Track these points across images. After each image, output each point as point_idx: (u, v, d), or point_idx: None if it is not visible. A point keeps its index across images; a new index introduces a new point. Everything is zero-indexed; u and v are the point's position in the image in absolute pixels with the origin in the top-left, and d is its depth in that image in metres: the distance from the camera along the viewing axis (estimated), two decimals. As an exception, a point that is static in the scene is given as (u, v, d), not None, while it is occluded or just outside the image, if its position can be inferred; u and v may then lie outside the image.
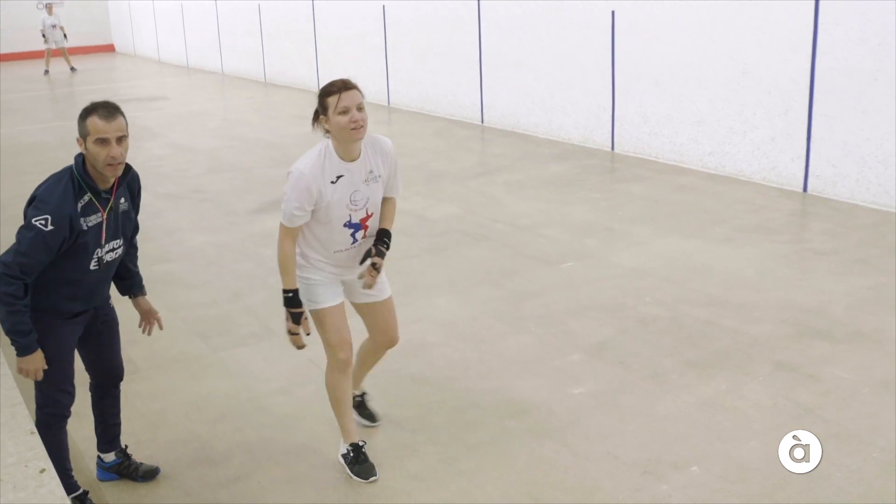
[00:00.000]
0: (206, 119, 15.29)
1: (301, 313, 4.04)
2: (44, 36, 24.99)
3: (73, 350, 3.96)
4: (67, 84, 22.62)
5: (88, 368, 4.20)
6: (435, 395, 5.01)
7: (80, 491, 4.09)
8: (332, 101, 3.87)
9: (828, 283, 6.44)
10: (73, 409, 4.01)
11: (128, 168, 3.83)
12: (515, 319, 6.02)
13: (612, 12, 10.84)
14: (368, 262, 4.13)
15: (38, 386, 3.89)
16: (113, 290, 4.17)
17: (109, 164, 3.63)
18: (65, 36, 25.04)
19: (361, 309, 4.39)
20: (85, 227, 3.66)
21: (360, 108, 3.87)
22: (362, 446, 4.29)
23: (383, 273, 4.24)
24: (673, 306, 6.11)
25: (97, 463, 4.36)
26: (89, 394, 4.28)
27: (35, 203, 3.64)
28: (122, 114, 3.71)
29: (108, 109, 3.65)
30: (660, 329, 5.76)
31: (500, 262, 7.18)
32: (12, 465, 3.94)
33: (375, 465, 4.27)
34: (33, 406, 4.30)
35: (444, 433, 4.64)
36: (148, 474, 4.33)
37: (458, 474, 4.27)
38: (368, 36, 15.96)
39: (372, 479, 4.21)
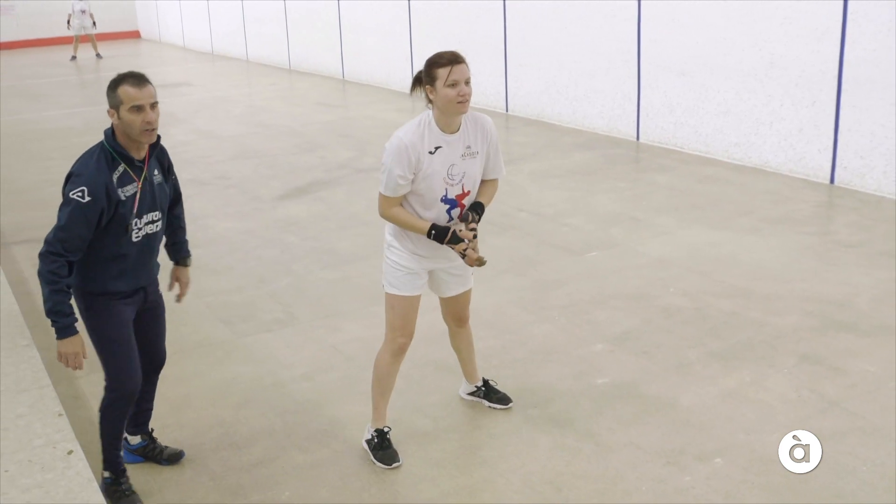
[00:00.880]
0: (230, 106, 15.33)
1: (454, 232, 3.98)
2: (68, 22, 25.11)
3: (132, 332, 3.96)
4: (93, 70, 22.74)
5: None
6: (458, 382, 5.01)
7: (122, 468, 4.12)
8: (442, 72, 3.85)
9: (854, 276, 6.40)
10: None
11: (157, 139, 3.85)
12: (539, 308, 6.01)
13: (639, 1, 10.77)
14: (462, 226, 4.05)
15: (105, 368, 3.92)
16: (163, 278, 4.22)
17: (146, 130, 3.66)
18: (94, 23, 25.15)
19: (445, 300, 4.46)
20: (122, 198, 3.68)
21: (467, 83, 3.86)
22: (387, 432, 4.31)
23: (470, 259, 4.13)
24: (697, 297, 6.08)
25: (122, 445, 4.41)
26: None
27: (70, 178, 3.66)
28: (150, 82, 3.74)
29: (137, 78, 3.69)
30: (684, 320, 5.74)
31: (525, 252, 7.18)
32: (40, 446, 3.99)
33: (398, 451, 4.29)
34: (61, 388, 4.35)
35: (467, 421, 4.65)
36: (172, 457, 4.37)
37: (480, 462, 4.28)
38: (393, 23, 15.95)
39: (395, 465, 4.23)
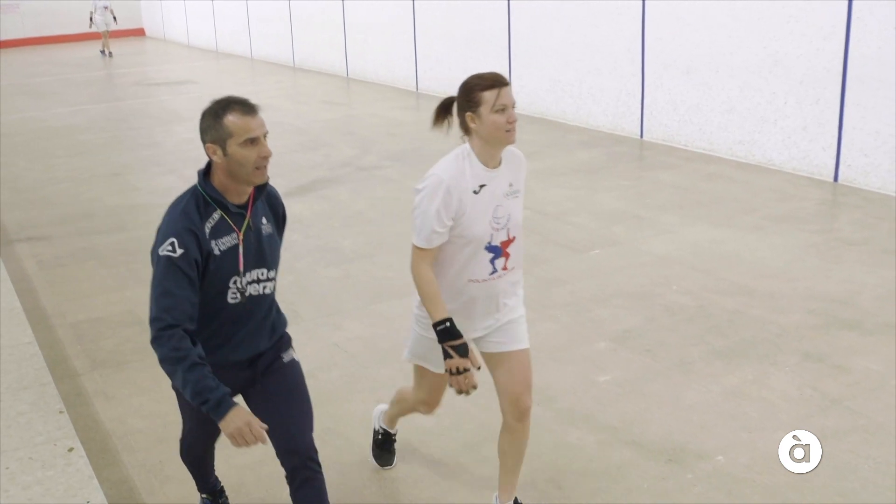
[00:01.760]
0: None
1: (465, 344, 3.29)
2: (90, 19, 25.21)
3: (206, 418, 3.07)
4: (99, 67, 22.77)
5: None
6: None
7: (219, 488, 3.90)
8: (489, 96, 3.26)
9: (857, 274, 6.38)
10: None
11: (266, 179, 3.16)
12: (542, 307, 6.00)
13: (643, 0, 10.78)
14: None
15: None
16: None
17: (259, 168, 3.03)
18: (115, 18, 25.26)
19: (490, 360, 3.60)
20: (217, 252, 3.02)
21: (513, 107, 3.32)
22: (394, 435, 4.29)
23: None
24: (700, 295, 6.07)
25: (211, 469, 3.89)
26: None
27: (157, 236, 3.02)
28: (258, 107, 3.10)
29: (245, 105, 3.04)
30: (687, 318, 5.74)
31: (528, 250, 7.13)
32: (41, 444, 4.00)
33: (397, 453, 4.29)
34: (63, 386, 4.34)
35: (469, 419, 4.64)
36: None
37: (482, 460, 4.28)
38: (398, 22, 15.95)
39: (387, 467, 4.23)
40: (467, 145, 3.38)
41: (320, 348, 5.51)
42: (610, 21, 11.33)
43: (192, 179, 3.15)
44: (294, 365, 3.35)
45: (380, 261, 7.07)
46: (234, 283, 3.07)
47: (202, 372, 2.88)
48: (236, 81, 18.94)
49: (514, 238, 3.44)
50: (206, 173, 3.08)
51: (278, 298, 3.42)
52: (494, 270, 3.41)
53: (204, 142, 3.04)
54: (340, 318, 5.99)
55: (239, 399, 3.13)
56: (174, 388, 3.15)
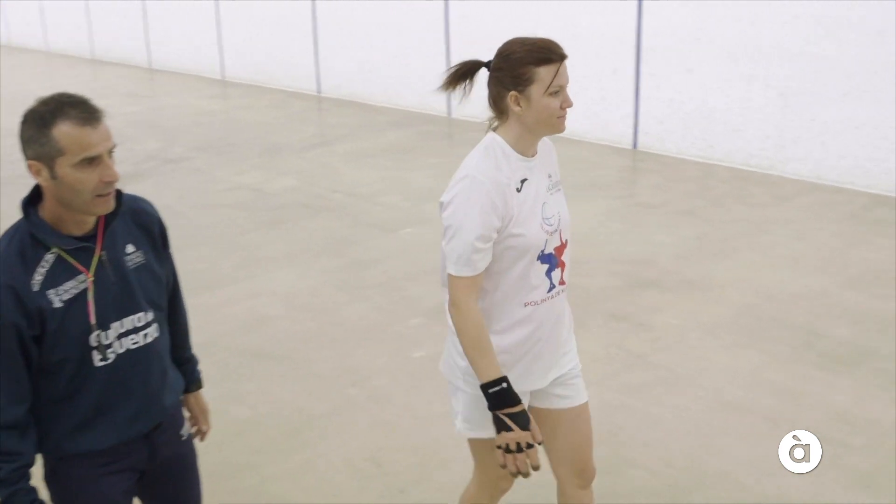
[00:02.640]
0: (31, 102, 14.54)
1: (525, 412, 2.52)
2: None
3: None
4: None
5: None
6: (276, 367, 4.96)
7: None
8: (544, 73, 2.55)
9: (656, 235, 6.68)
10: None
11: (118, 195, 2.36)
12: (355, 288, 6.00)
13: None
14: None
15: None
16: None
17: (102, 195, 2.25)
18: None
19: (542, 417, 2.82)
20: (56, 305, 2.25)
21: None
22: None
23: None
24: (510, 266, 6.21)
25: None
26: None
27: None
28: (101, 114, 2.28)
29: (83, 109, 2.23)
30: (498, 288, 5.85)
31: (340, 232, 7.14)
32: None
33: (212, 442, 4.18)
34: None
35: (287, 406, 4.59)
36: None
37: (301, 445, 4.25)
38: (200, 9, 15.53)
39: None
40: (494, 134, 2.65)
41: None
42: (413, 1, 11.38)
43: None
44: (191, 443, 2.70)
45: (190, 254, 6.88)
46: (97, 339, 2.31)
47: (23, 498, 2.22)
48: (30, 76, 18.01)
49: (566, 242, 2.75)
50: (31, 201, 2.31)
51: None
52: (552, 286, 2.69)
53: (26, 157, 2.24)
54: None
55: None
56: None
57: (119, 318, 2.35)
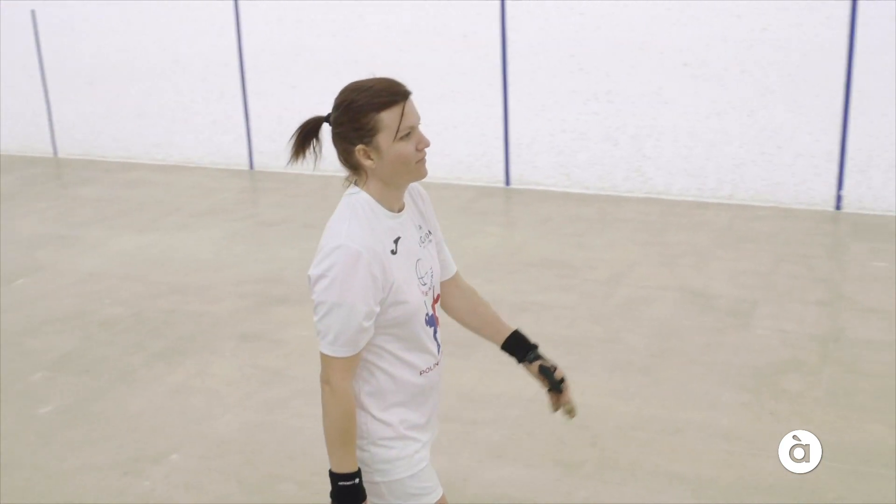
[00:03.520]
0: None
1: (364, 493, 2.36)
2: None
3: None
4: None
5: None
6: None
7: None
8: (388, 118, 2.26)
9: (281, 251, 6.78)
10: None
11: None
12: None
13: (33, 12, 10.26)
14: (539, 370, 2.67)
15: None
16: None
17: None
18: None
19: None
20: None
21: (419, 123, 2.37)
22: None
23: None
24: (135, 303, 6.02)
25: None
26: None
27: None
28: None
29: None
30: (124, 328, 5.65)
31: None
32: None
33: None
34: None
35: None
36: None
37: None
38: None
39: None
40: (359, 192, 2.36)
41: None
42: (10, 36, 10.65)
43: None
44: None
45: None
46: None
47: None
48: None
49: (438, 296, 2.54)
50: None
51: None
52: (439, 348, 2.49)
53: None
54: None
55: None
56: None
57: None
